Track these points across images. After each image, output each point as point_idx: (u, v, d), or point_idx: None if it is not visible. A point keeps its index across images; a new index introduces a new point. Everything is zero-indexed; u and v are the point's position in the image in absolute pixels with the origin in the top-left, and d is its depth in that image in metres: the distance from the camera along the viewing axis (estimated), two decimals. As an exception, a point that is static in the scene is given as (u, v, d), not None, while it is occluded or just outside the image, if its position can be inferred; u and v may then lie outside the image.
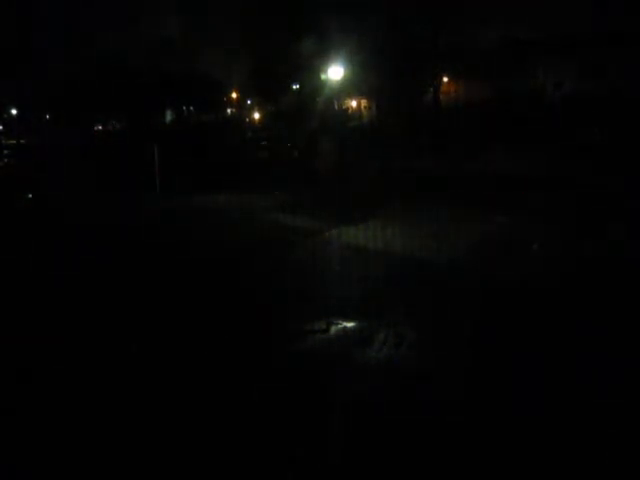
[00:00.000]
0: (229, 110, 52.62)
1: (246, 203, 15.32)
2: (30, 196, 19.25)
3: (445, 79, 33.72)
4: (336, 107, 34.36)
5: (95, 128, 47.62)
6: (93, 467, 4.28)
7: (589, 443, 4.24)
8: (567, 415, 4.58)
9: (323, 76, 29.67)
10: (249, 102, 47.75)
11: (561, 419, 4.52)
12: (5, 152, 35.56)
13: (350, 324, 6.78)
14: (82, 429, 4.73)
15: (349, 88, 32.73)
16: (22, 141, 40.16)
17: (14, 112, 48.13)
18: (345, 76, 28.15)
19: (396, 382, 5.36)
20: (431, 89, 32.53)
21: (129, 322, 7.10)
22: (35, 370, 5.88)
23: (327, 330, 6.66)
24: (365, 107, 40.69)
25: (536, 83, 28.83)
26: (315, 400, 5.08)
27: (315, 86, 30.26)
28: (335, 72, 25.35)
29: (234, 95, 49.30)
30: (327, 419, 4.77)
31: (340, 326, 6.73)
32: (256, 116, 43.75)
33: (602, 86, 24.56)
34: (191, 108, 52.17)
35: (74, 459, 4.38)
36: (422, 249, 9.48)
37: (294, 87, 37.17)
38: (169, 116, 49.57)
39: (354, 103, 40.64)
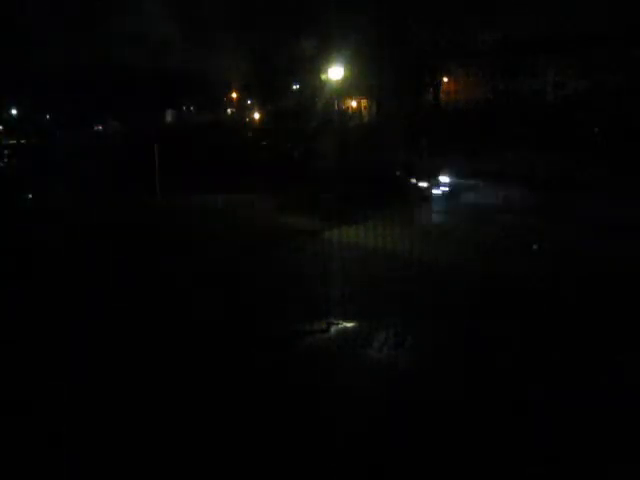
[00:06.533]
0: (229, 110, 52.57)
1: (246, 203, 15.31)
2: (30, 196, 19.23)
3: (445, 79, 33.69)
4: (336, 107, 34.33)
5: (95, 128, 47.61)
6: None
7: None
8: (565, 416, 4.58)
9: (323, 76, 29.67)
10: (249, 102, 47.73)
11: (560, 418, 4.52)
12: (5, 152, 35.50)
13: (350, 324, 6.78)
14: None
15: (349, 88, 32.70)
16: (22, 141, 40.10)
17: (14, 112, 48.09)
18: (345, 76, 28.12)
19: (395, 381, 5.36)
20: (431, 89, 32.52)
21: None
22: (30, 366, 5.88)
23: (327, 330, 6.65)
24: (365, 107, 40.62)
25: (536, 83, 28.80)
26: (314, 399, 5.07)
27: (315, 86, 30.26)
28: (335, 72, 25.31)
29: (234, 95, 49.28)
30: (326, 417, 4.76)
31: (340, 326, 6.73)
32: (256, 116, 43.67)
33: (602, 86, 24.54)
34: (191, 108, 52.19)
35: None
36: (421, 249, 9.48)
37: (294, 87, 37.17)
38: (169, 116, 49.60)
39: (354, 103, 40.57)
